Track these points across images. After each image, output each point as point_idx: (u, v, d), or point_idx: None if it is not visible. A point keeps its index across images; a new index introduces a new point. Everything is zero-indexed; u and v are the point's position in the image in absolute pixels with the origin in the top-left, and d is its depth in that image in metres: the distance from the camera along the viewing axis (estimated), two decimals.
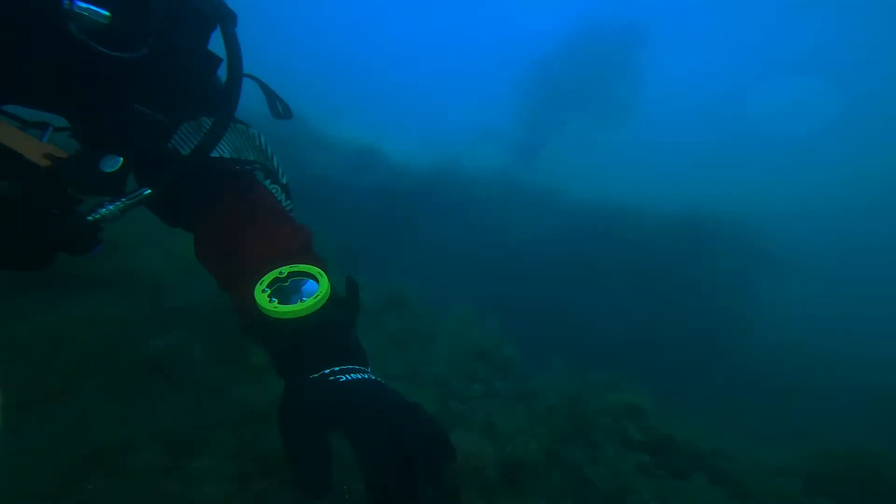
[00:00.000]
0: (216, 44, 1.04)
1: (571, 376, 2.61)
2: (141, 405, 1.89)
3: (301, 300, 0.84)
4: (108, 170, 0.88)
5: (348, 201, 4.89)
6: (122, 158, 0.89)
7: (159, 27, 0.90)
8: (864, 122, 26.46)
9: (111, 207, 0.92)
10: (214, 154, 1.03)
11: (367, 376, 0.82)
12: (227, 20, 1.02)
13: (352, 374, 0.81)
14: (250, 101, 1.22)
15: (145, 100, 0.93)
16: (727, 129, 27.20)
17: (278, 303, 0.83)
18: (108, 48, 0.83)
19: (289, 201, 1.23)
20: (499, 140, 16.22)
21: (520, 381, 2.39)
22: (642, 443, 2.22)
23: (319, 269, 0.91)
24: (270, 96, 1.26)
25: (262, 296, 0.85)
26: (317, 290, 0.87)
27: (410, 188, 6.48)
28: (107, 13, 0.80)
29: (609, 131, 17.87)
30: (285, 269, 0.90)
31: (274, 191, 1.19)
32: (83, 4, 0.79)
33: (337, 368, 0.82)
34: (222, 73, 1.06)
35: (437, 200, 6.62)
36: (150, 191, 0.95)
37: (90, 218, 0.92)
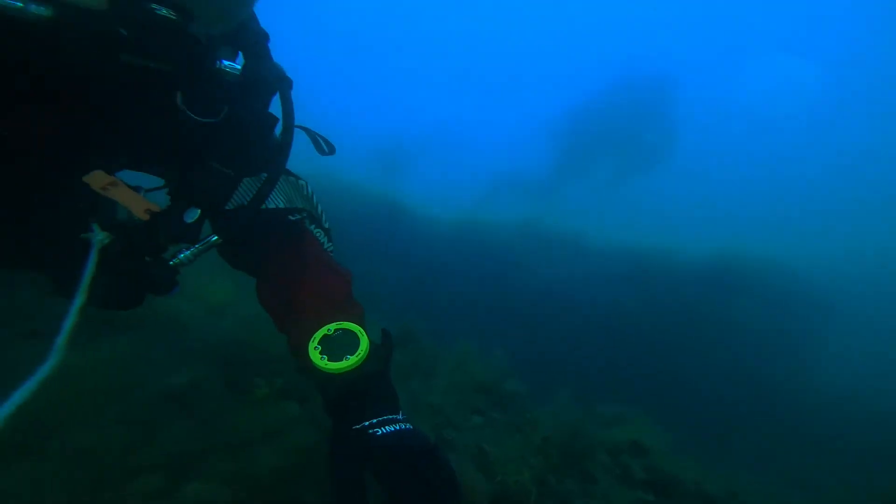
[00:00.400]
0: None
1: (575, 409, 2.58)
2: (152, 433, 2.02)
3: (346, 358, 1.02)
4: (189, 220, 1.03)
5: (369, 244, 5.08)
6: (199, 210, 1.04)
7: (235, 94, 1.05)
8: None
9: (187, 253, 1.07)
10: (271, 205, 1.21)
11: (397, 427, 1.00)
12: (286, 85, 1.16)
13: (385, 427, 0.99)
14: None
15: (219, 158, 1.09)
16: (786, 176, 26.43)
17: (328, 360, 1.02)
18: (199, 115, 1.00)
19: (330, 244, 1.38)
20: (523, 185, 16.43)
21: (519, 414, 2.39)
22: (644, 481, 2.15)
23: (360, 328, 1.07)
24: (315, 137, 1.40)
25: (314, 353, 1.03)
26: (358, 347, 1.04)
27: (433, 233, 6.66)
28: (238, 66, 0.99)
29: (641, 176, 17.82)
30: (332, 327, 1.06)
31: (318, 234, 1.34)
32: (225, 63, 0.98)
33: (375, 421, 0.99)
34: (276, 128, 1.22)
35: (460, 245, 6.76)
36: (216, 237, 1.10)
37: (172, 263, 1.06)
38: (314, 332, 1.06)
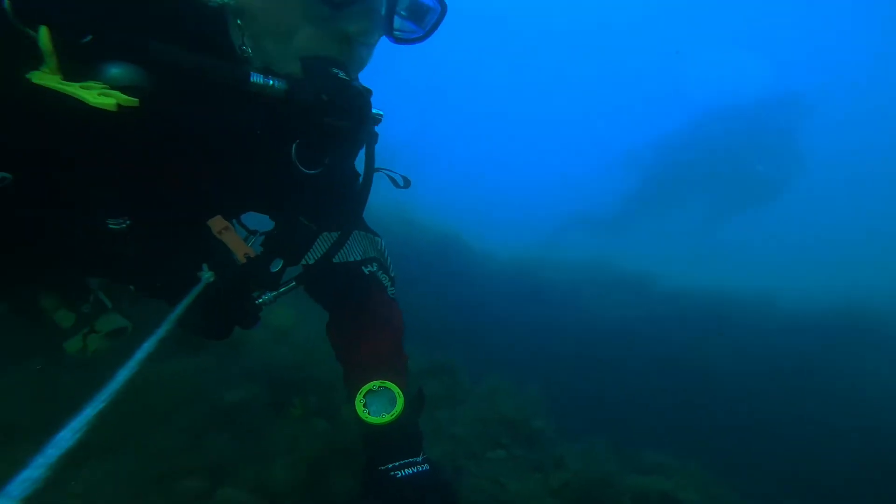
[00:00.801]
0: None
1: (609, 454, 2.48)
2: (202, 441, 2.27)
3: (383, 415, 1.21)
4: (273, 270, 1.15)
5: (431, 284, 5.24)
6: (282, 261, 1.16)
7: (336, 147, 1.10)
8: None
9: (271, 295, 1.19)
10: (350, 258, 1.36)
11: (415, 470, 1.18)
12: (372, 139, 1.21)
13: (406, 470, 1.18)
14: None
15: (306, 211, 1.18)
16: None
17: (369, 413, 1.21)
18: (305, 167, 1.08)
19: (393, 289, 1.49)
20: (592, 223, 15.76)
21: (544, 452, 2.36)
22: None
23: (398, 389, 1.24)
24: (391, 176, 1.46)
25: (359, 405, 1.22)
26: (395, 406, 1.22)
27: (489, 270, 6.70)
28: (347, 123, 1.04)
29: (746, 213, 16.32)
30: (377, 385, 1.24)
31: (383, 279, 1.46)
32: (330, 118, 0.99)
33: (397, 463, 1.19)
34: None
35: (517, 281, 6.73)
36: (295, 283, 1.23)
37: (258, 302, 1.18)
38: (363, 386, 1.23)
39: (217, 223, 1.08)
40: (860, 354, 6.36)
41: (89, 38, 0.77)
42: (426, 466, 1.19)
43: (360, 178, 1.24)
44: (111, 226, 0.98)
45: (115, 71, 0.79)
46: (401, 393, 1.22)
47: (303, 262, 1.26)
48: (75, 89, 0.74)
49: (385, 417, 1.18)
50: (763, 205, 15.87)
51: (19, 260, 1.09)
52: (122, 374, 0.70)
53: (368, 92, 1.05)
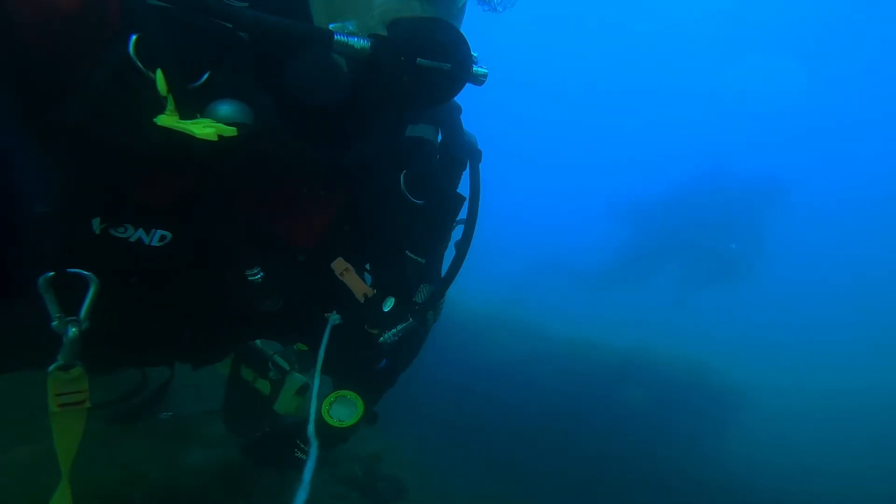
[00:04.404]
0: None
1: None
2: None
3: (341, 420, 1.21)
4: (385, 310, 1.10)
5: None
6: (394, 300, 1.10)
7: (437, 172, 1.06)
8: None
9: (392, 332, 1.12)
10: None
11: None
12: (476, 158, 1.14)
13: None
14: None
15: (412, 244, 1.12)
16: None
17: (329, 412, 1.21)
18: (413, 195, 1.05)
19: (432, 322, 1.43)
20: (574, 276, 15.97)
21: None
22: None
23: (360, 401, 1.22)
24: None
25: (326, 402, 1.20)
26: (352, 417, 1.22)
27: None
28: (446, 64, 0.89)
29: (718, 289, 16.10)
30: (351, 395, 1.23)
31: (430, 319, 1.38)
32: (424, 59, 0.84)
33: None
34: None
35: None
36: (411, 321, 1.15)
37: (381, 341, 1.12)
38: (340, 391, 1.22)
39: (339, 265, 1.07)
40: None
41: (205, 77, 0.79)
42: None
43: (466, 203, 1.17)
44: (250, 278, 0.96)
45: (224, 108, 0.80)
46: (362, 410, 1.23)
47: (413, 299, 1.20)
48: (187, 125, 0.75)
49: (342, 423, 1.21)
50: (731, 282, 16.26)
51: (190, 324, 1.09)
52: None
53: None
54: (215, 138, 0.75)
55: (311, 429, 0.90)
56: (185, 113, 0.77)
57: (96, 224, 0.83)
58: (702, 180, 16.37)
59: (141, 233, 0.87)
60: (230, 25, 0.80)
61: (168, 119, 0.75)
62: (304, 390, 1.57)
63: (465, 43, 0.86)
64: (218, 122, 0.78)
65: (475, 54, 0.91)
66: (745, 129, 25.48)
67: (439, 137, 1.08)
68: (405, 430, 3.96)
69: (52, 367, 0.85)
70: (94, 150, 0.77)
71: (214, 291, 1.01)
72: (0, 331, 0.95)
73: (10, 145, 0.63)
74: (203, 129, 0.74)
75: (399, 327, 1.14)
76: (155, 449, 2.02)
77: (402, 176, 1.06)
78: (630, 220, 16.97)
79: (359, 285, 1.08)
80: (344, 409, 1.24)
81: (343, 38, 0.80)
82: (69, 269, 0.83)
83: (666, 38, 28.05)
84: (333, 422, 1.20)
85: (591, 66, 30.40)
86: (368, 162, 1.03)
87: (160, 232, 0.88)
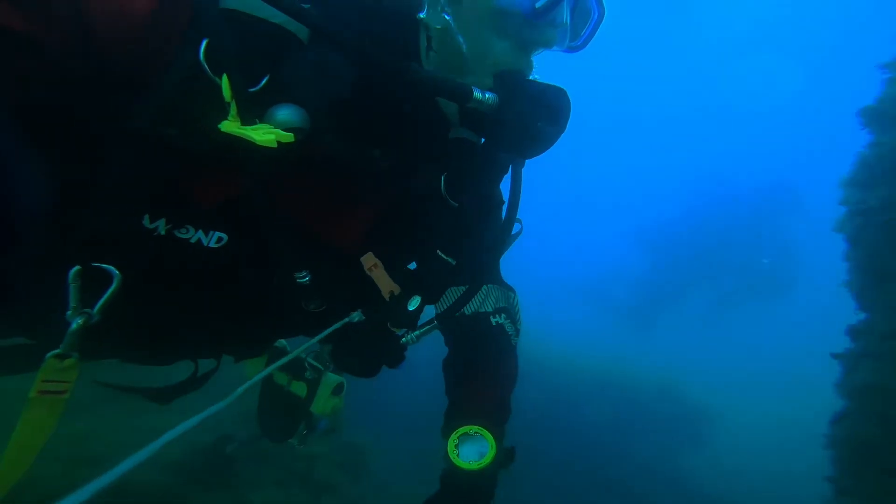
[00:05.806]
0: None
1: None
2: None
3: (472, 461, 1.18)
4: (411, 308, 1.11)
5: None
6: (419, 299, 1.11)
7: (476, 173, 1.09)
8: None
9: (416, 334, 1.17)
10: (481, 309, 1.31)
11: None
12: (519, 162, 1.15)
13: None
14: None
15: (444, 244, 1.12)
16: None
17: (458, 455, 1.19)
18: (452, 197, 1.07)
19: (517, 339, 1.45)
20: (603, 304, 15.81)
21: None
22: None
23: (493, 441, 1.20)
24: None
25: (451, 444, 1.20)
26: (486, 456, 1.18)
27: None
28: (557, 127, 0.95)
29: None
30: (474, 429, 1.21)
31: (509, 328, 1.40)
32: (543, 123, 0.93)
33: None
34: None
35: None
36: (436, 323, 1.20)
37: (403, 341, 1.17)
38: (460, 427, 1.21)
39: (368, 259, 1.08)
40: None
41: (264, 82, 0.81)
42: None
43: (505, 206, 1.20)
44: (298, 280, 0.98)
45: (283, 113, 0.81)
46: (494, 445, 1.20)
47: (444, 305, 1.24)
48: (248, 132, 0.77)
49: (472, 465, 1.17)
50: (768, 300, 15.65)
51: (244, 326, 1.12)
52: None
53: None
54: (275, 145, 0.77)
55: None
56: (246, 118, 0.79)
57: (162, 225, 0.87)
58: (724, 199, 16.32)
59: (200, 234, 0.90)
60: (401, 78, 0.84)
61: (231, 125, 0.77)
62: (339, 389, 1.60)
63: (570, 105, 0.95)
64: (276, 126, 0.80)
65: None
66: (756, 139, 25.28)
67: (482, 139, 1.07)
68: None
69: (50, 354, 0.86)
70: (160, 154, 0.80)
71: (263, 292, 1.03)
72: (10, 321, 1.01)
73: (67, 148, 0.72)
74: (263, 135, 0.77)
75: (424, 328, 1.17)
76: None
77: (442, 178, 1.07)
78: (656, 245, 16.86)
79: (386, 282, 1.08)
80: (472, 448, 1.19)
81: (479, 95, 0.86)
82: (94, 264, 0.85)
83: (675, 61, 29.12)
84: (461, 462, 1.17)
85: (612, 92, 31.30)
86: (413, 163, 1.05)
87: (217, 234, 0.91)
